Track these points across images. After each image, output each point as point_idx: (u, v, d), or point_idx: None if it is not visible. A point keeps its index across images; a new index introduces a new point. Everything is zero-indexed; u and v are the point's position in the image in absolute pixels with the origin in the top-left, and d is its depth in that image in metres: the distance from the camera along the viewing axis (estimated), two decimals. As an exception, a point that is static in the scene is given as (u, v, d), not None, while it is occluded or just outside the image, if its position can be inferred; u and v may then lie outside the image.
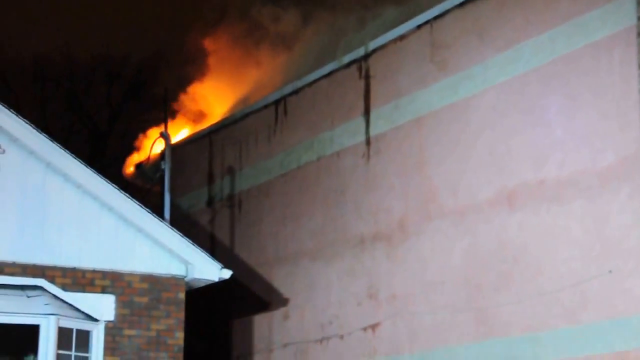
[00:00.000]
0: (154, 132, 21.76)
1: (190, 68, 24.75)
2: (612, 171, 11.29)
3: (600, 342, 11.32)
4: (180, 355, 13.10)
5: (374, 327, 14.57)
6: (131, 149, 25.29)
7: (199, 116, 22.89)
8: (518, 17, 13.11)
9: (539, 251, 12.25)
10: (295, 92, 17.34)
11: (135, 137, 25.44)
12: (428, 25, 14.06)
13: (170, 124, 19.38)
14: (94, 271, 12.15)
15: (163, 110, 17.91)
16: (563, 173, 12.03)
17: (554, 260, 11.95)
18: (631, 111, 11.04)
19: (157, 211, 14.44)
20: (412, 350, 13.89)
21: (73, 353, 11.88)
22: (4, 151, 11.54)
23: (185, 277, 13.11)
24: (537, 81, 12.65)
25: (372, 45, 15.19)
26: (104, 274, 12.39)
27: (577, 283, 11.83)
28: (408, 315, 14.23)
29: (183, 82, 24.69)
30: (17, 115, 12.20)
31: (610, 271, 11.09)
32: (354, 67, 15.49)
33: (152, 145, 18.04)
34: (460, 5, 13.73)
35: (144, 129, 24.50)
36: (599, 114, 11.70)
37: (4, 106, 12.06)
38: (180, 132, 22.53)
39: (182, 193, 19.93)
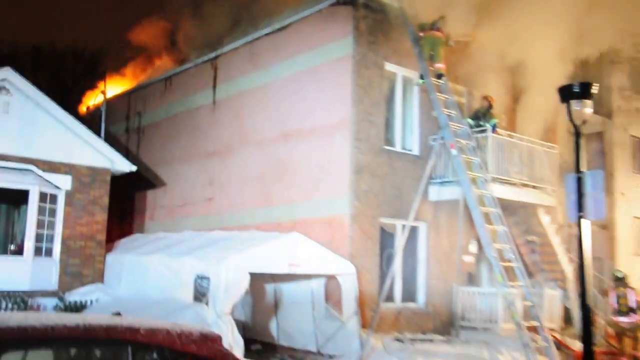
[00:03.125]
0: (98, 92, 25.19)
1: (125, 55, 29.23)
2: (334, 125, 16.27)
3: (322, 210, 16.15)
4: (106, 209, 16.12)
5: (210, 199, 19.67)
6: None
7: (123, 82, 26.93)
8: (289, 42, 17.73)
9: (298, 163, 17.08)
10: (176, 73, 21.93)
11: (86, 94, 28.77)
12: (249, 44, 18.96)
13: (107, 86, 23.29)
14: (60, 163, 15.60)
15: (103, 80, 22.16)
16: (313, 125, 16.86)
17: (305, 168, 16.87)
18: (346, 96, 15.97)
19: (98, 133, 17.36)
20: (229, 211, 18.75)
21: (47, 205, 15.38)
22: (12, 94, 15.07)
23: (110, 168, 16.15)
24: (304, 78, 17.24)
25: (219, 52, 19.97)
26: (66, 165, 15.71)
27: (312, 179, 16.61)
28: (228, 194, 19.14)
29: (118, 65, 28.97)
30: (19, 75, 15.24)
31: (330, 174, 16.15)
32: (208, 64, 20.36)
33: (95, 97, 24.65)
34: (266, 35, 18.37)
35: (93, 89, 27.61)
36: (332, 97, 16.51)
37: (11, 68, 15.11)
38: (113, 91, 25.81)
39: (112, 124, 23.36)
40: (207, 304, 11.96)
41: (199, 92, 20.79)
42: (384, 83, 16.91)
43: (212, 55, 20.27)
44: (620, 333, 16.98)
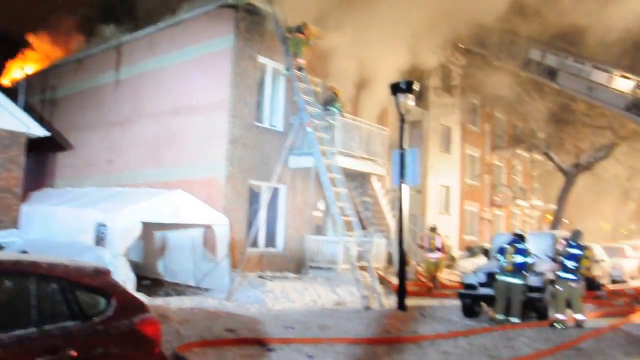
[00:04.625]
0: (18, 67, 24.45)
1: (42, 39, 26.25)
2: (216, 104, 16.01)
3: (203, 172, 15.94)
4: (22, 166, 15.08)
5: (110, 161, 18.93)
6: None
7: (44, 61, 25.05)
8: (182, 35, 17.27)
9: (185, 134, 16.79)
10: (86, 56, 20.84)
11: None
12: (149, 35, 18.27)
13: (28, 62, 23.09)
14: (-18, 127, 14.10)
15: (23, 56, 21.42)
16: (198, 103, 16.56)
17: (190, 138, 16.59)
18: (225, 81, 15.81)
19: (17, 103, 16.59)
20: (126, 171, 18.16)
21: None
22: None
23: (26, 132, 15.20)
24: (193, 65, 16.91)
25: (123, 40, 19.10)
26: (-12, 129, 14.18)
27: (196, 147, 16.35)
28: (126, 157, 18.43)
29: (39, 43, 26.36)
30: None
31: (211, 143, 15.84)
32: (113, 49, 19.45)
33: (16, 72, 23.70)
34: (163, 28, 17.75)
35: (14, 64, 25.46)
36: (214, 81, 16.28)
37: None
38: (32, 67, 24.63)
39: (30, 96, 22.19)
40: (105, 247, 11.76)
41: (105, 72, 19.79)
42: (256, 72, 16.77)
43: (117, 42, 19.46)
44: (430, 266, 18.21)
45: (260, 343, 8.70)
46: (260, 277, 14.45)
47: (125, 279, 11.16)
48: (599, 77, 16.76)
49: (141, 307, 5.05)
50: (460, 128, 30.69)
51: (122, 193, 14.39)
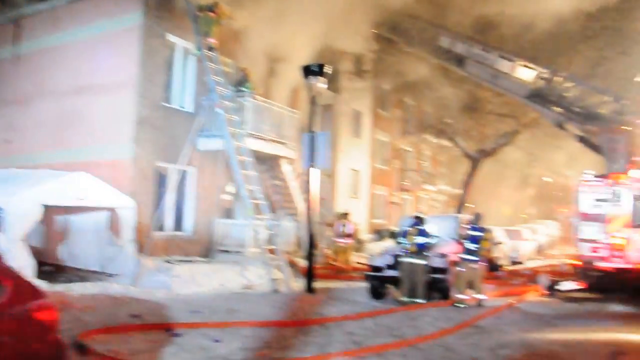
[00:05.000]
0: None
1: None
2: (122, 83, 15.43)
3: (109, 153, 15.33)
4: None
5: (9, 141, 17.85)
6: None
7: None
8: (87, 10, 16.46)
9: (90, 113, 15.76)
10: None
11: None
12: (52, 9, 17.26)
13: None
14: None
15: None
16: (104, 82, 15.71)
17: (95, 118, 15.68)
18: (133, 59, 15.25)
19: None
20: (26, 152, 17.09)
21: None
22: None
23: None
24: (99, 41, 16.03)
25: (23, 13, 17.79)
26: None
27: (101, 127, 15.54)
28: (26, 137, 17.43)
29: None
30: None
31: (117, 124, 15.17)
32: (11, 23, 18.17)
33: None
34: (67, 2, 16.83)
35: None
36: (121, 59, 15.58)
37: None
38: None
39: None
40: (2, 231, 11.12)
41: (3, 47, 18.61)
42: (166, 51, 16.28)
43: (16, 14, 18.29)
44: (339, 251, 18.89)
45: (166, 328, 8.56)
46: (167, 261, 14.15)
47: (24, 264, 10.68)
48: (504, 66, 17.53)
49: (36, 293, 4.84)
50: (371, 113, 31.19)
51: (21, 175, 13.67)
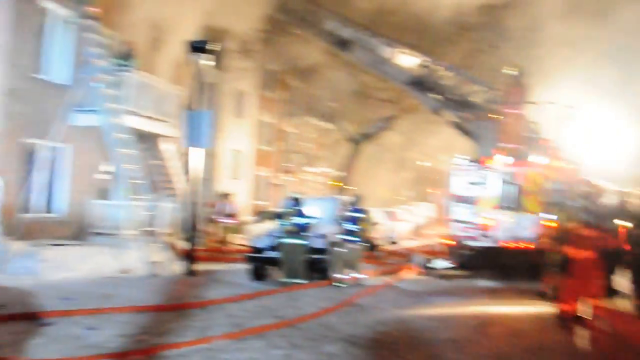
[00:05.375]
0: None
1: None
2: None
3: None
4: None
5: None
6: None
7: None
8: None
9: None
10: None
11: None
12: None
13: None
14: None
15: None
16: None
17: None
18: (2, 26, 13.90)
19: None
20: None
21: None
22: None
23: None
24: None
25: None
26: None
27: None
28: None
29: None
30: None
31: None
32: None
33: None
34: None
35: None
36: None
37: None
38: None
39: None
40: None
41: None
42: (39, 18, 15.04)
43: None
44: (221, 232, 18.86)
45: (34, 317, 7.98)
46: (36, 245, 13.26)
47: None
48: (387, 52, 17.94)
49: None
50: (255, 93, 30.95)
51: None
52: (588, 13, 19.27)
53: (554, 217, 13.37)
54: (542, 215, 13.65)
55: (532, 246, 13.63)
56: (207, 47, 12.64)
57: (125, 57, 16.23)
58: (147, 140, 17.73)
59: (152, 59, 18.84)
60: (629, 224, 10.53)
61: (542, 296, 10.81)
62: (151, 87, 17.11)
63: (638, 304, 10.27)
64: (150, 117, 16.96)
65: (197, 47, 12.67)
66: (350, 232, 12.71)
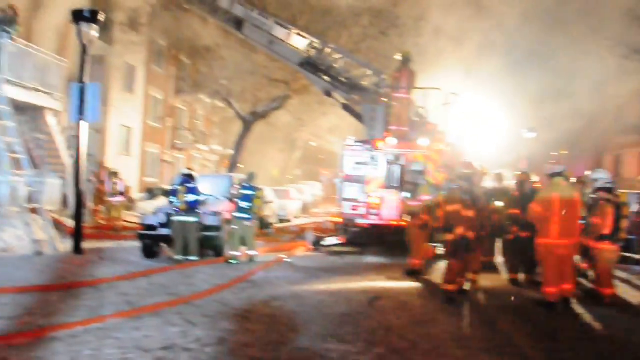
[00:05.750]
0: None
1: None
2: None
3: None
4: None
5: None
6: None
7: None
8: None
9: None
10: None
11: None
12: None
13: None
14: None
15: None
16: None
17: None
18: None
19: None
20: None
21: None
22: None
23: None
24: None
25: None
26: None
27: None
28: None
29: None
30: None
31: None
32: None
33: None
34: None
35: None
36: None
37: None
38: None
39: None
40: None
41: None
42: None
43: None
44: (110, 209, 18.12)
45: None
46: None
47: None
48: (280, 32, 17.82)
49: None
50: (145, 68, 29.82)
51: None
52: (473, 5, 20.16)
53: (434, 197, 13.91)
54: (425, 194, 14.06)
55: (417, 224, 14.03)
56: (94, 16, 11.90)
57: (11, 24, 15.06)
58: (28, 112, 16.62)
59: (34, 26, 17.65)
60: (504, 205, 11.13)
61: (410, 274, 11.15)
62: (33, 56, 15.99)
63: (513, 278, 10.95)
64: (31, 88, 15.88)
65: (83, 17, 11.90)
66: (243, 210, 12.58)
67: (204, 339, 6.31)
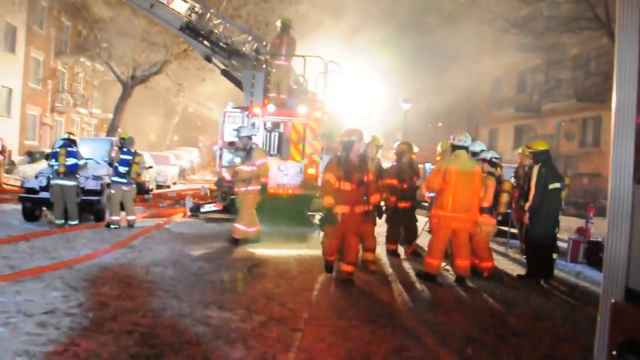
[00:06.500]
0: None
1: None
2: None
3: None
4: None
5: None
6: None
7: None
8: None
9: None
10: None
11: None
12: None
13: None
14: None
15: None
16: None
17: None
18: None
19: None
20: None
21: None
22: None
23: None
24: None
25: None
26: None
27: None
28: None
29: None
30: None
31: None
32: None
33: None
34: None
35: None
36: None
37: None
38: None
39: None
40: None
41: None
42: None
43: None
44: None
45: None
46: None
47: None
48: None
49: None
50: (25, 29, 27.45)
51: None
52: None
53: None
54: (303, 163, 13.78)
55: (294, 192, 13.77)
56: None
57: None
58: None
59: None
60: (391, 178, 10.29)
61: (234, 242, 10.76)
62: None
63: (391, 248, 10.52)
64: None
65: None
66: (122, 174, 12.11)
67: (86, 303, 6.14)
